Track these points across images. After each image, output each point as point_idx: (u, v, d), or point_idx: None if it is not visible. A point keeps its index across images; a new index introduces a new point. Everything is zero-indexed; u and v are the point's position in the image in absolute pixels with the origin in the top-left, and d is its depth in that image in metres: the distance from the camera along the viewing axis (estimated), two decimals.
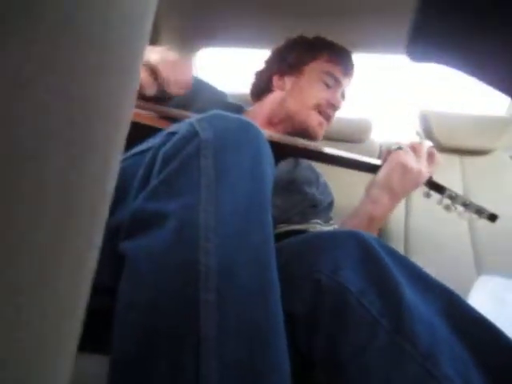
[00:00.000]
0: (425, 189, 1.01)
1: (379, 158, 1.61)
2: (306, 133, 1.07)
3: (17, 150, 0.16)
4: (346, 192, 1.25)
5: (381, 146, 1.66)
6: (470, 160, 1.58)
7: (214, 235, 0.48)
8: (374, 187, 0.95)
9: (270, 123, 1.09)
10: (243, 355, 0.44)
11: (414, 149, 0.97)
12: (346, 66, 1.12)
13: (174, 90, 0.86)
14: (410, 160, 0.94)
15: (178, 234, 0.48)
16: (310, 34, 1.16)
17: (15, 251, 0.16)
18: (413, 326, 0.53)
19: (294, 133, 1.07)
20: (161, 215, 0.51)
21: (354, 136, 1.64)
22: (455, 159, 1.59)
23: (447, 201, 1.02)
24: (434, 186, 1.02)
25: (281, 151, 0.92)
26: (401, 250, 1.42)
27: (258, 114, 1.10)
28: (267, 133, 0.90)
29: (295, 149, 0.96)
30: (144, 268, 0.48)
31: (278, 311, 0.49)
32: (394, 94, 2.14)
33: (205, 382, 0.42)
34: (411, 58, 0.26)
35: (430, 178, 0.99)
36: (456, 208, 1.02)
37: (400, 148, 0.97)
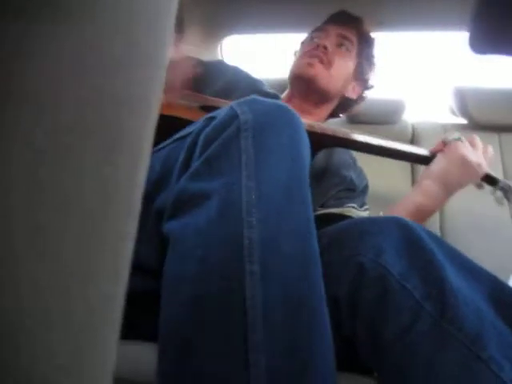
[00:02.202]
0: (477, 180, 0.96)
1: (412, 139, 1.58)
2: (301, 80, 1.06)
3: (51, 145, 0.16)
4: (376, 177, 1.23)
5: (413, 127, 1.62)
6: (507, 137, 1.52)
7: (256, 210, 0.50)
8: (428, 178, 0.92)
9: (289, 100, 1.11)
10: (289, 323, 0.46)
11: (471, 141, 0.94)
12: (334, 17, 1.13)
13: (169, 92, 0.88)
14: (470, 152, 0.90)
15: (222, 211, 0.50)
16: None
17: (55, 239, 0.16)
18: (458, 309, 0.52)
19: (301, 91, 1.08)
20: (204, 194, 0.53)
21: (386, 117, 1.60)
22: (493, 137, 1.53)
23: (499, 193, 0.98)
24: (487, 178, 0.97)
25: (322, 141, 0.91)
26: (436, 230, 1.39)
27: (284, 98, 1.14)
28: (308, 122, 0.89)
29: (339, 139, 0.93)
30: (191, 244, 0.50)
31: (320, 281, 0.51)
32: (426, 73, 2.08)
33: (253, 351, 0.44)
34: (475, 52, 0.25)
35: None
36: (510, 200, 0.98)
37: (459, 139, 0.93)
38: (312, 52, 1.05)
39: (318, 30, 1.13)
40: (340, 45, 1.08)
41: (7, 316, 0.15)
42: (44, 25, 0.16)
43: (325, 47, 1.05)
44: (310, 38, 1.12)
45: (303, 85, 1.06)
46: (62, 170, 0.16)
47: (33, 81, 0.16)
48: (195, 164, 0.56)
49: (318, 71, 1.04)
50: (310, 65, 1.04)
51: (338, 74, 1.07)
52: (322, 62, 1.04)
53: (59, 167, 0.16)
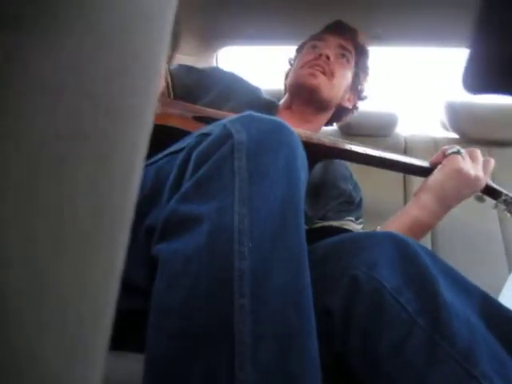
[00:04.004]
0: (478, 193, 0.94)
1: (405, 152, 1.59)
2: (303, 90, 1.06)
3: (46, 155, 0.16)
4: (368, 190, 1.23)
5: (406, 140, 1.63)
6: (498, 152, 1.53)
7: (247, 239, 0.48)
8: (425, 192, 0.90)
9: (288, 107, 1.11)
10: (277, 359, 0.44)
11: (471, 154, 0.92)
12: (332, 26, 1.13)
13: None
14: (468, 166, 0.88)
15: (212, 238, 0.48)
16: None
17: (48, 248, 0.16)
18: (450, 324, 0.52)
19: (302, 100, 1.08)
20: (194, 218, 0.50)
21: (379, 130, 1.62)
22: (482, 151, 1.54)
23: (502, 206, 0.96)
24: (489, 191, 0.95)
25: (320, 152, 0.91)
26: (428, 246, 1.39)
27: (281, 106, 1.13)
28: (305, 134, 0.90)
29: (339, 150, 0.92)
30: (179, 272, 0.48)
31: (311, 315, 0.49)
32: (419, 86, 2.11)
33: None
34: (469, 92, 0.26)
35: (486, 182, 0.93)
36: None
37: (458, 152, 0.90)
38: (314, 62, 1.05)
39: (316, 38, 1.13)
40: (341, 55, 1.09)
41: None
42: (41, 36, 0.16)
43: (327, 57, 1.05)
44: (310, 46, 1.12)
45: (305, 94, 1.06)
46: (55, 179, 0.16)
47: (29, 91, 0.16)
48: (186, 184, 0.54)
49: (321, 81, 1.04)
50: (313, 75, 1.04)
51: (339, 84, 1.08)
52: (324, 72, 1.04)
53: (53, 176, 0.16)
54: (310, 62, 1.06)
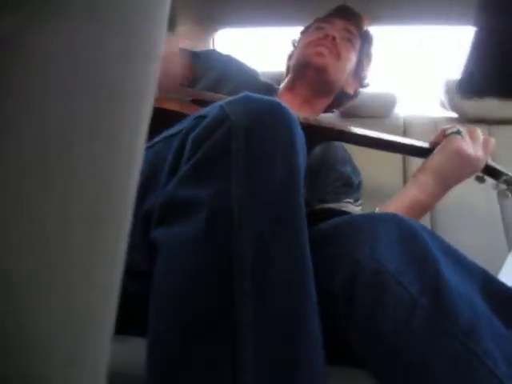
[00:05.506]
0: (478, 173, 0.94)
1: (404, 133, 1.58)
2: (309, 69, 1.04)
3: (46, 140, 0.16)
4: (367, 172, 1.23)
5: (405, 120, 1.62)
6: (498, 130, 1.52)
7: (247, 222, 0.47)
8: (424, 172, 0.89)
9: (289, 90, 1.10)
10: (279, 341, 0.45)
11: (471, 133, 0.91)
12: (339, 10, 1.12)
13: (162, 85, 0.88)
14: (468, 146, 0.87)
15: (211, 222, 0.48)
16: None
17: (55, 235, 0.16)
18: (453, 303, 0.52)
19: (306, 80, 1.06)
20: (193, 202, 0.50)
21: (378, 111, 1.60)
22: (482, 130, 1.53)
23: (503, 186, 0.95)
24: (489, 171, 0.94)
25: (318, 134, 0.90)
26: (427, 226, 1.39)
27: (283, 88, 1.12)
28: (303, 115, 0.88)
29: (335, 132, 0.92)
30: (178, 256, 0.49)
31: (313, 296, 0.49)
32: (418, 66, 2.09)
33: (241, 368, 0.42)
34: (464, 98, 0.27)
35: (486, 162, 0.92)
36: None
37: (458, 132, 0.90)
38: (320, 41, 1.04)
39: (323, 21, 1.12)
40: (346, 39, 1.08)
41: (7, 313, 0.15)
42: (42, 22, 0.16)
43: (334, 38, 1.04)
44: (316, 28, 1.11)
45: (311, 74, 1.05)
46: (59, 164, 0.17)
47: (31, 78, 0.16)
48: (184, 168, 0.53)
49: (328, 61, 1.03)
50: (320, 54, 1.03)
51: (344, 66, 1.07)
52: (331, 52, 1.03)
53: (57, 162, 0.16)
54: (316, 41, 1.05)
